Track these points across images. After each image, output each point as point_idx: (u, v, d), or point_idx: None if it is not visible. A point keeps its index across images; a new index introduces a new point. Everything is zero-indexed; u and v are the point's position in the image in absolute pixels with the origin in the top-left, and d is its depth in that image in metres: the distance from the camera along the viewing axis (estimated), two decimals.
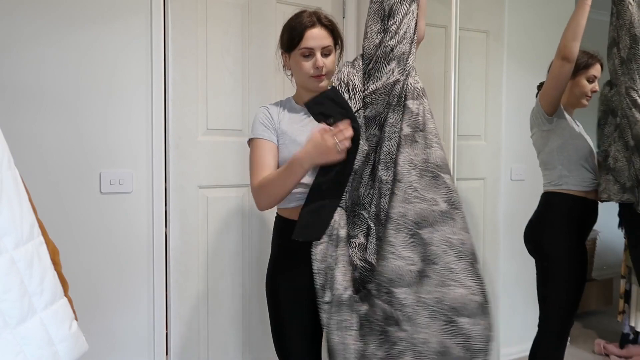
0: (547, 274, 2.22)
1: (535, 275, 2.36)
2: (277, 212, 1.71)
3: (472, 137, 2.90)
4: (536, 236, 2.27)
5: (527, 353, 2.48)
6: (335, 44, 1.66)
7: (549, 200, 2.26)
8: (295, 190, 1.57)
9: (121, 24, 2.10)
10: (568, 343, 3.34)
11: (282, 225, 1.66)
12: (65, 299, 1.14)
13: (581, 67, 2.21)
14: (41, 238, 1.10)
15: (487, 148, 2.97)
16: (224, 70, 2.34)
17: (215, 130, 2.32)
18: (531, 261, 2.36)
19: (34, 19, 1.96)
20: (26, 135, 1.96)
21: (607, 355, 3.20)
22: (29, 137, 1.97)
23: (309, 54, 1.60)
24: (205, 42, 2.30)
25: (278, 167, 1.63)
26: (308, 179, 1.55)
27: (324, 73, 1.61)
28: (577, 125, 2.29)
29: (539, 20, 3.14)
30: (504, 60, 3.00)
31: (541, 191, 3.34)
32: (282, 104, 1.73)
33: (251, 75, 2.41)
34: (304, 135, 1.62)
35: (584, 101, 2.26)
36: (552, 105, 2.14)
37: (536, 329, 2.42)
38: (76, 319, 1.17)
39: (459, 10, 2.37)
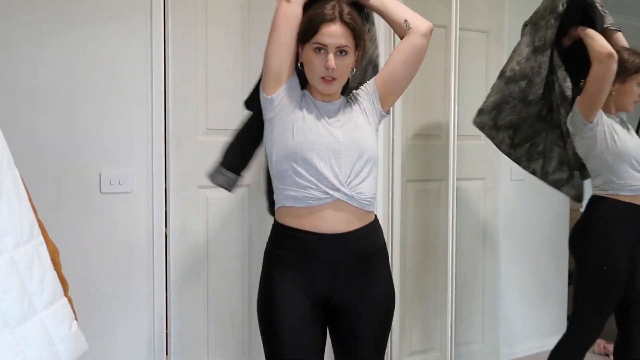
0: (585, 281, 2.13)
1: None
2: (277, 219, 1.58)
3: (472, 137, 2.90)
4: (577, 241, 2.18)
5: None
6: (356, 46, 1.50)
7: (594, 204, 2.15)
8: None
9: (121, 24, 2.09)
10: None
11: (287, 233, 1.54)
12: (65, 299, 1.14)
13: (632, 71, 2.08)
14: (41, 238, 1.10)
15: (487, 148, 2.97)
16: (224, 70, 2.34)
17: (215, 130, 2.32)
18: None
19: (33, 20, 1.96)
20: (26, 135, 1.96)
21: (607, 355, 3.20)
22: (29, 137, 1.97)
23: (322, 49, 1.46)
24: (205, 42, 2.30)
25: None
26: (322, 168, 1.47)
27: (334, 76, 1.47)
28: (624, 126, 2.18)
29: None
30: (504, 60, 2.99)
31: (541, 191, 3.33)
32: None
33: (251, 75, 2.40)
34: (310, 132, 1.48)
35: (631, 107, 2.15)
36: (595, 111, 2.05)
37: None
38: (76, 319, 1.17)
39: (459, 10, 2.37)
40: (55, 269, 1.13)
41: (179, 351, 2.28)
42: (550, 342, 3.22)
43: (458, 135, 2.44)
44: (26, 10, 1.95)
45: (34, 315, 1.04)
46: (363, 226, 1.53)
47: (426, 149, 2.77)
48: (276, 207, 1.57)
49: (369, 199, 1.53)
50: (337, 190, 1.47)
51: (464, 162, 2.69)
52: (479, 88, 2.92)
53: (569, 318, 2.20)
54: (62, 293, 1.13)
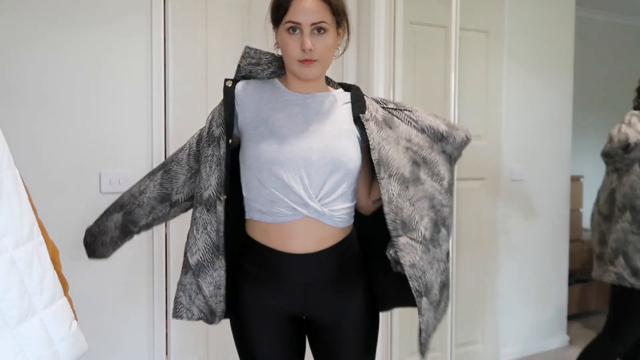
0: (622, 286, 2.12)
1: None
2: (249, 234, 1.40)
3: (472, 137, 2.90)
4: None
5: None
6: (339, 23, 1.30)
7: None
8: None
9: (121, 24, 2.10)
10: (568, 343, 3.35)
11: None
12: (65, 299, 1.13)
13: None
14: (41, 238, 1.10)
15: (487, 148, 2.97)
16: (224, 70, 2.34)
17: None
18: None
19: (33, 20, 1.96)
20: (26, 135, 1.96)
21: None
22: (29, 137, 1.97)
23: (297, 29, 1.26)
24: (205, 42, 2.30)
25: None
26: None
27: (314, 58, 1.27)
28: None
29: (539, 20, 3.14)
30: (504, 60, 3.00)
31: (541, 191, 3.33)
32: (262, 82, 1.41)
33: None
34: (290, 128, 1.31)
35: None
36: None
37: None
38: (76, 318, 1.17)
39: (459, 10, 2.37)
40: (56, 268, 1.13)
41: (179, 351, 2.28)
42: (550, 342, 3.24)
43: None
44: (26, 11, 1.95)
45: (34, 315, 1.04)
46: (337, 243, 1.35)
47: None
48: (246, 217, 1.40)
49: (343, 216, 1.35)
50: (306, 206, 1.29)
51: (464, 162, 2.69)
52: (479, 88, 2.92)
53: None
54: (62, 293, 1.13)
